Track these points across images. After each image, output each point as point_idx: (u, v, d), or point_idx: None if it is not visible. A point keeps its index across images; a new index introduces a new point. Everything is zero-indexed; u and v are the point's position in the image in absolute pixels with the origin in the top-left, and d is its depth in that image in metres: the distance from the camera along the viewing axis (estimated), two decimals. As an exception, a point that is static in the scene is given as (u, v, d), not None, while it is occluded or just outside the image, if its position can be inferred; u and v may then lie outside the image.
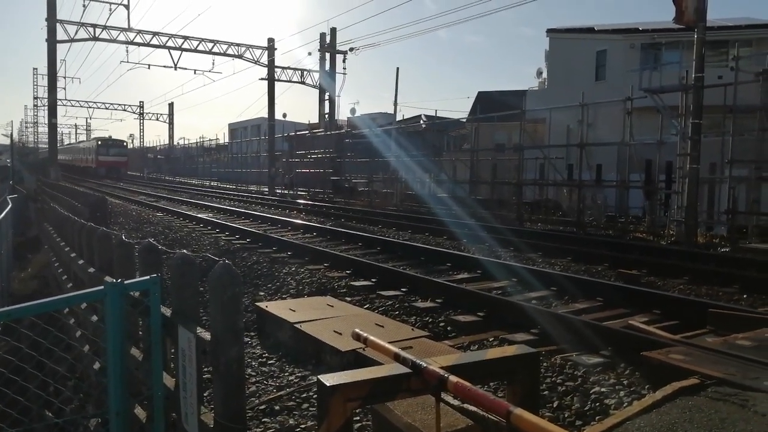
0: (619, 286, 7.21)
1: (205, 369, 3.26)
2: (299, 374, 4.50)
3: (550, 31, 31.83)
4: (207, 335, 2.78)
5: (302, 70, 35.41)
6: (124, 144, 59.29)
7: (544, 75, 34.42)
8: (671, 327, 5.58)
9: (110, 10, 31.11)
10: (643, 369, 4.16)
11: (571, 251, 10.40)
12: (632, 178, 16.11)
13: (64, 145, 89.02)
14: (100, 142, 55.78)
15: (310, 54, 33.96)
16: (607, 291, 6.93)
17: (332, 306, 5.97)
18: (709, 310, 5.78)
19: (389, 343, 3.84)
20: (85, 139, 78.42)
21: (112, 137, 59.31)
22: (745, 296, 7.31)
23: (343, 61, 32.67)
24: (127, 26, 31.27)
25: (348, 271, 8.42)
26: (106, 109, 64.54)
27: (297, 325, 5.11)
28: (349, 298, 6.82)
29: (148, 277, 3.16)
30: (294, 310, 5.61)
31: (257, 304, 6.10)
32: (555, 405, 3.90)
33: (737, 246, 11.71)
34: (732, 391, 3.39)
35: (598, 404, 3.84)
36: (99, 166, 53.54)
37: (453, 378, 2.48)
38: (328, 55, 33.23)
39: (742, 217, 13.49)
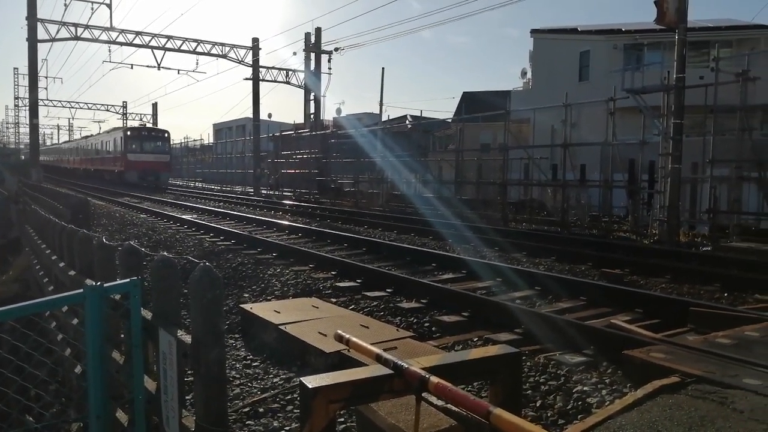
0: (603, 285, 7.27)
1: (188, 372, 3.24)
2: (284, 376, 4.49)
3: (534, 31, 32.01)
4: (188, 338, 2.76)
5: (287, 70, 35.30)
6: (167, 135, 40.07)
7: (529, 75, 34.60)
8: (653, 326, 5.63)
9: (92, 9, 30.82)
10: (625, 367, 4.20)
11: (555, 251, 10.46)
12: (615, 178, 16.24)
13: (66, 142, 70.79)
14: (129, 133, 38.02)
15: (295, 54, 34.03)
16: (590, 290, 6.98)
17: (317, 307, 5.96)
18: (691, 308, 5.85)
19: (374, 344, 3.85)
20: (99, 131, 56.02)
21: (147, 125, 42.25)
22: (725, 294, 7.39)
23: (329, 61, 32.63)
24: (109, 26, 30.98)
25: (333, 272, 8.41)
26: (89, 109, 63.53)
27: (282, 327, 5.10)
28: (334, 299, 6.80)
29: (128, 279, 3.14)
30: (279, 312, 5.59)
31: (242, 306, 6.07)
32: (538, 404, 3.92)
33: (718, 245, 11.85)
34: (712, 389, 3.43)
35: (580, 403, 3.87)
36: (128, 168, 36.56)
37: (434, 379, 2.49)
38: (313, 55, 33.15)
39: (723, 216, 13.66)
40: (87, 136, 54.57)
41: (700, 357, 4.02)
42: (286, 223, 14.99)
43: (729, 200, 13.74)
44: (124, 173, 36.87)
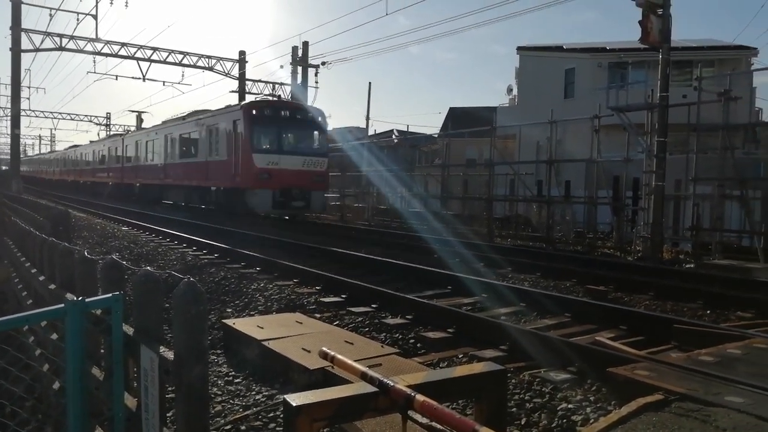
0: (587, 302, 7.30)
1: (170, 388, 3.18)
2: (266, 393, 4.43)
3: (520, 48, 32.44)
4: (170, 354, 2.72)
5: (274, 84, 35.32)
6: (320, 120, 21.33)
7: (515, 92, 34.96)
8: (637, 342, 5.66)
9: (77, 20, 30.64)
10: (609, 385, 4.20)
11: (540, 267, 10.50)
12: (600, 195, 16.40)
13: (75, 146, 49.64)
14: (256, 112, 19.91)
15: (282, 67, 33.91)
16: (574, 307, 7.00)
17: (301, 323, 5.91)
18: (674, 325, 5.89)
19: (358, 360, 3.81)
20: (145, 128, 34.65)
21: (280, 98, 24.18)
22: (708, 312, 7.45)
23: (315, 75, 32.67)
24: (94, 36, 30.86)
25: (318, 287, 8.35)
26: (72, 120, 62.37)
27: (264, 343, 5.04)
28: (318, 315, 6.76)
29: (110, 294, 3.09)
30: (262, 327, 5.54)
31: (224, 321, 6.01)
32: (523, 422, 3.90)
33: (701, 262, 11.96)
34: (695, 407, 3.44)
35: (565, 421, 3.86)
36: (256, 184, 19.03)
37: (420, 397, 2.47)
38: (300, 69, 33.23)
39: (706, 233, 13.81)
40: (129, 132, 35.78)
41: (684, 375, 4.04)
42: (271, 236, 14.91)
43: (711, 218, 13.90)
44: (247, 194, 19.22)
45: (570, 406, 4.05)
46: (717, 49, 26.80)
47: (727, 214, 14.24)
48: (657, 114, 13.23)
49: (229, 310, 7.34)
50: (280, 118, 19.99)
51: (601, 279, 9.42)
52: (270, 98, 21.34)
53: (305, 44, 32.77)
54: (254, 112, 19.64)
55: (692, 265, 11.87)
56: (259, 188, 18.91)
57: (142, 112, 36.48)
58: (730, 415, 3.31)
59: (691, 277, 9.91)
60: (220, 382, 4.73)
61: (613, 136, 18.64)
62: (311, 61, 32.60)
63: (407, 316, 6.63)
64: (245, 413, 4.06)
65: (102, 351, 3.57)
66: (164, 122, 28.78)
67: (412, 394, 2.52)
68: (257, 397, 4.38)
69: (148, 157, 29.35)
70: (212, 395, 4.35)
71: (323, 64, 31.85)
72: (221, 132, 21.00)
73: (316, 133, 20.88)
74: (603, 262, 11.87)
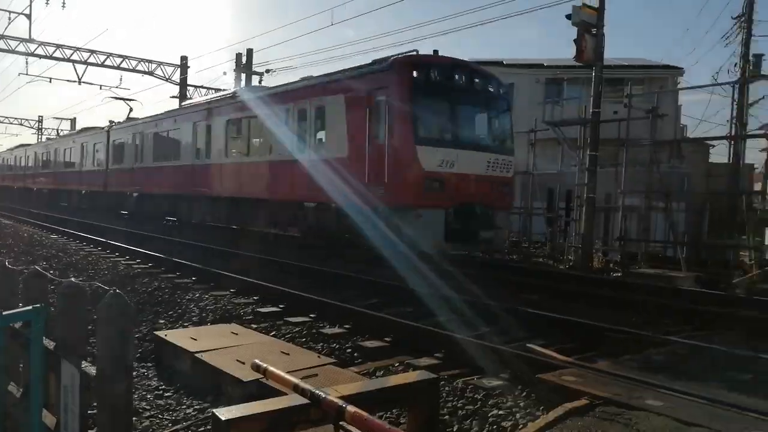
0: (520, 310, 7.46)
1: (93, 405, 3.08)
2: (198, 407, 4.34)
3: (461, 62, 32.98)
4: (93, 370, 2.63)
5: (216, 90, 34.73)
6: (503, 92, 13.05)
7: (456, 104, 35.51)
8: (567, 349, 5.84)
9: (9, 18, 29.29)
10: (538, 391, 4.32)
11: (476, 275, 10.66)
12: (535, 206, 16.86)
13: (82, 130, 34.07)
14: (418, 74, 11.18)
15: (225, 74, 33.46)
16: (508, 315, 7.15)
17: (237, 334, 5.82)
18: (604, 333, 6.12)
19: (294, 371, 3.80)
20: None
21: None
22: (633, 319, 7.74)
23: (260, 83, 32.30)
24: (28, 37, 29.56)
25: (255, 298, 8.24)
26: (0, 123, 59.80)
27: (198, 355, 4.94)
28: (255, 326, 6.67)
29: (31, 307, 2.97)
30: (195, 339, 5.42)
31: (156, 333, 5.85)
32: (455, 429, 3.96)
33: (628, 271, 12.46)
34: (618, 411, 3.59)
35: (495, 427, 3.95)
36: (417, 200, 10.93)
37: (351, 408, 2.48)
38: (243, 76, 32.78)
39: (633, 243, 14.40)
40: (120, 123, 26.43)
41: (609, 380, 4.20)
42: (208, 245, 14.60)
43: (639, 229, 14.51)
44: (402, 216, 11.16)
45: (501, 412, 4.14)
46: (646, 68, 28.09)
47: (653, 226, 14.89)
48: (589, 129, 13.73)
49: (162, 321, 7.15)
50: (454, 88, 11.88)
51: (534, 287, 9.67)
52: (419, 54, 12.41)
53: (249, 51, 32.45)
54: (416, 74, 11.38)
55: (620, 274, 12.35)
56: (427, 207, 11.08)
57: (130, 99, 28.70)
58: (650, 419, 3.46)
59: (619, 286, 10.32)
60: (149, 396, 4.60)
61: (549, 149, 19.23)
62: (256, 69, 32.27)
63: (345, 326, 6.63)
64: (175, 428, 3.96)
65: (22, 366, 3.42)
66: (185, 106, 21.29)
67: (344, 405, 2.53)
68: (188, 411, 4.29)
69: (159, 155, 21.31)
70: (140, 410, 4.22)
71: (268, 71, 31.59)
72: (338, 110, 12.72)
73: (505, 114, 13.27)
74: (537, 271, 12.18)
